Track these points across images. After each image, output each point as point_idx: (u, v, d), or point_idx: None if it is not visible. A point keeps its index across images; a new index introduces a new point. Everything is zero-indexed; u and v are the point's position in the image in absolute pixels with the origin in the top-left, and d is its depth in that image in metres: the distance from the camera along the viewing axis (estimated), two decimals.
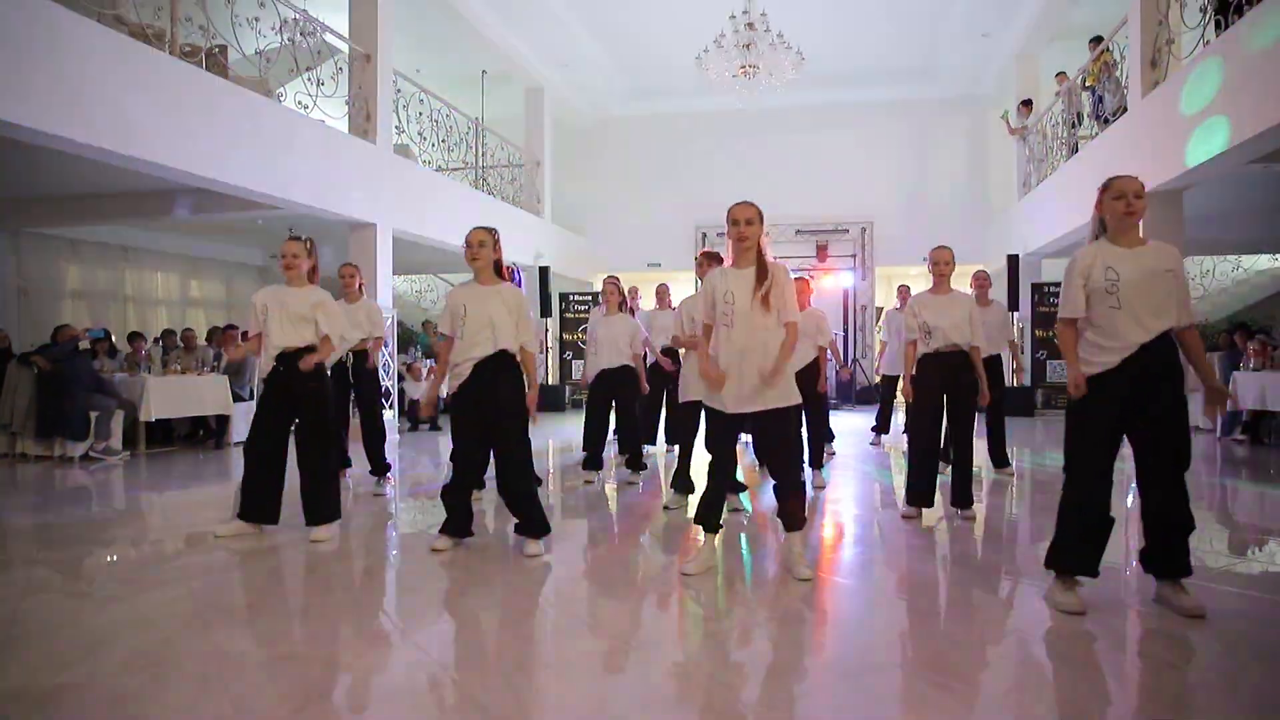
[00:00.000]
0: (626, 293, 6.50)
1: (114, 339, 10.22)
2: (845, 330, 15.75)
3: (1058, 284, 12.38)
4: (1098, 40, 9.83)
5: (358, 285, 6.08)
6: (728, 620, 3.23)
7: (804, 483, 3.91)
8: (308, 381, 4.44)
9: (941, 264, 4.93)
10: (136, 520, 5.48)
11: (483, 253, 4.14)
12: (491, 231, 4.21)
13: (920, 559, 4.18)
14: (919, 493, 4.94)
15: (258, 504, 4.49)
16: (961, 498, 4.93)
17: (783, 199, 16.05)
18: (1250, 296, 14.10)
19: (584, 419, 6.56)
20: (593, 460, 6.36)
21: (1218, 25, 6.65)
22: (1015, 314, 12.82)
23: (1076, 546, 3.21)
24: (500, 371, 4.07)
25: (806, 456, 5.97)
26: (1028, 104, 12.81)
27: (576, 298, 15.28)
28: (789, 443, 3.76)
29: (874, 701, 2.48)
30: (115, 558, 4.35)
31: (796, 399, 3.70)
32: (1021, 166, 13.18)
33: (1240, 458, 7.96)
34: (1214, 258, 14.16)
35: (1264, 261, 14.06)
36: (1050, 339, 12.47)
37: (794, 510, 3.73)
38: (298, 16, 8.45)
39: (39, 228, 11.28)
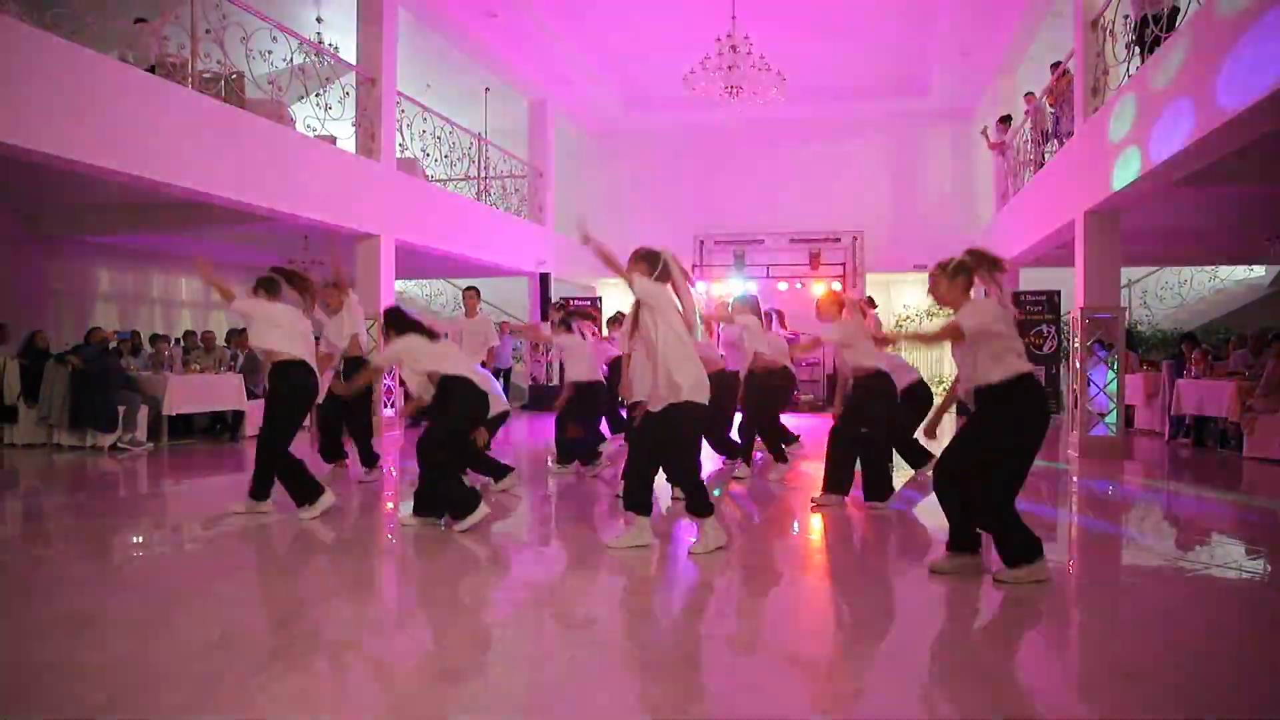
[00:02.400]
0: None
1: (141, 339, 11.09)
2: None
3: (1034, 292, 13.03)
4: (1057, 65, 10.42)
5: (339, 302, 6.77)
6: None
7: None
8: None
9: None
10: (157, 502, 6.27)
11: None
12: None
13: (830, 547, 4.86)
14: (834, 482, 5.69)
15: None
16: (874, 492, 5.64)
17: (777, 209, 16.77)
18: (1227, 305, 14.56)
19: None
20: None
21: (1141, 57, 7.25)
22: None
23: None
24: None
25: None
26: (1006, 120, 13.37)
27: (577, 303, 15.98)
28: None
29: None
30: (139, 536, 5.14)
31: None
32: (1000, 179, 13.74)
33: (1184, 459, 8.54)
34: (1191, 269, 14.64)
35: (1240, 272, 14.52)
36: (1027, 346, 12.96)
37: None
38: (308, 44, 9.24)
39: (73, 234, 12.18)
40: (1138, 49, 7.21)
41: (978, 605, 3.64)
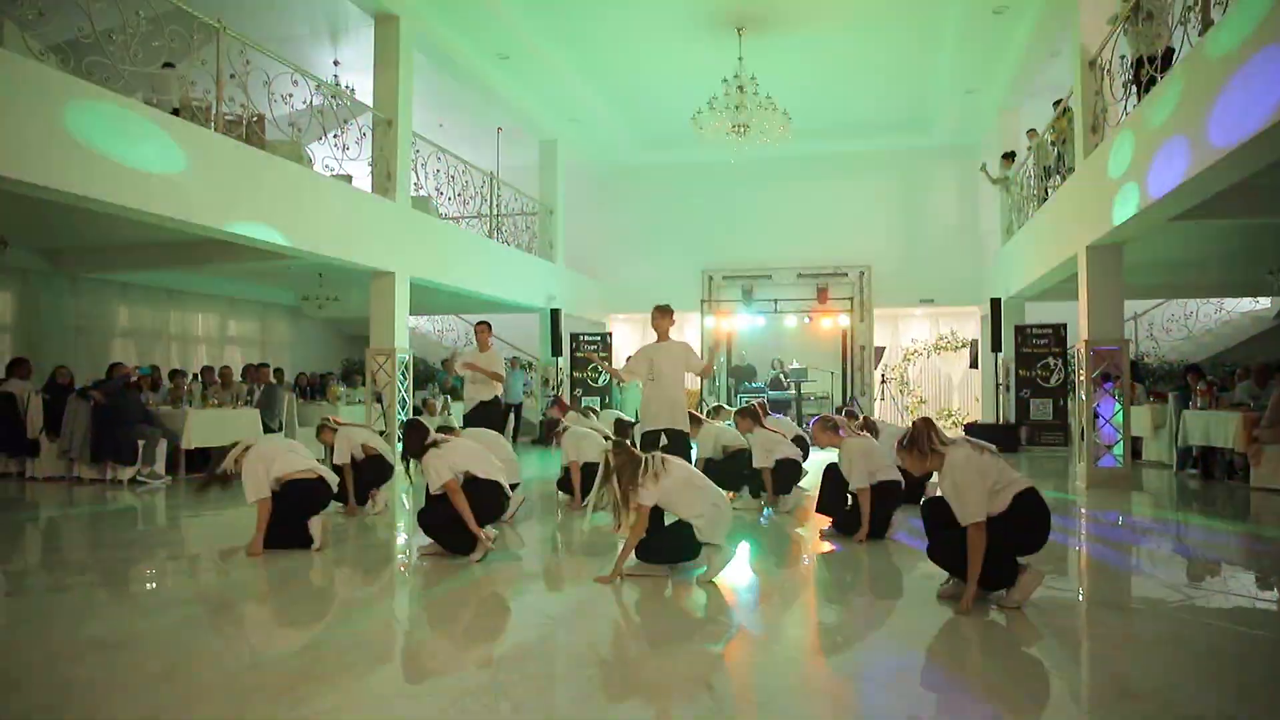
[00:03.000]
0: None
1: (161, 374, 11.28)
2: (844, 370, 16.46)
3: (1040, 325, 13.13)
4: (1059, 103, 10.64)
5: None
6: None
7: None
8: None
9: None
10: (172, 535, 6.39)
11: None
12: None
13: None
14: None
15: None
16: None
17: (785, 244, 17.00)
18: (1234, 337, 14.62)
19: None
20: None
21: (1139, 96, 7.44)
22: (999, 354, 13.51)
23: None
24: None
25: None
26: (1010, 156, 13.58)
27: (586, 338, 16.17)
28: None
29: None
30: (151, 567, 5.26)
31: None
32: (1005, 214, 13.93)
33: (1193, 490, 8.57)
34: (1196, 300, 14.74)
35: (1245, 304, 14.61)
36: (1034, 378, 13.10)
37: None
38: (324, 85, 9.54)
39: (95, 273, 12.45)
40: (1134, 88, 7.40)
41: (985, 628, 3.72)
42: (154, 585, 4.70)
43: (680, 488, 4.39)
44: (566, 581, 4.78)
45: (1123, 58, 7.72)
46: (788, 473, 6.99)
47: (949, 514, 3.94)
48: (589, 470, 6.88)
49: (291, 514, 5.25)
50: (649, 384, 6.45)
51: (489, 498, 5.07)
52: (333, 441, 6.72)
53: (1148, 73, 7.08)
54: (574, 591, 4.49)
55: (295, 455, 5.36)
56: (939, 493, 4.15)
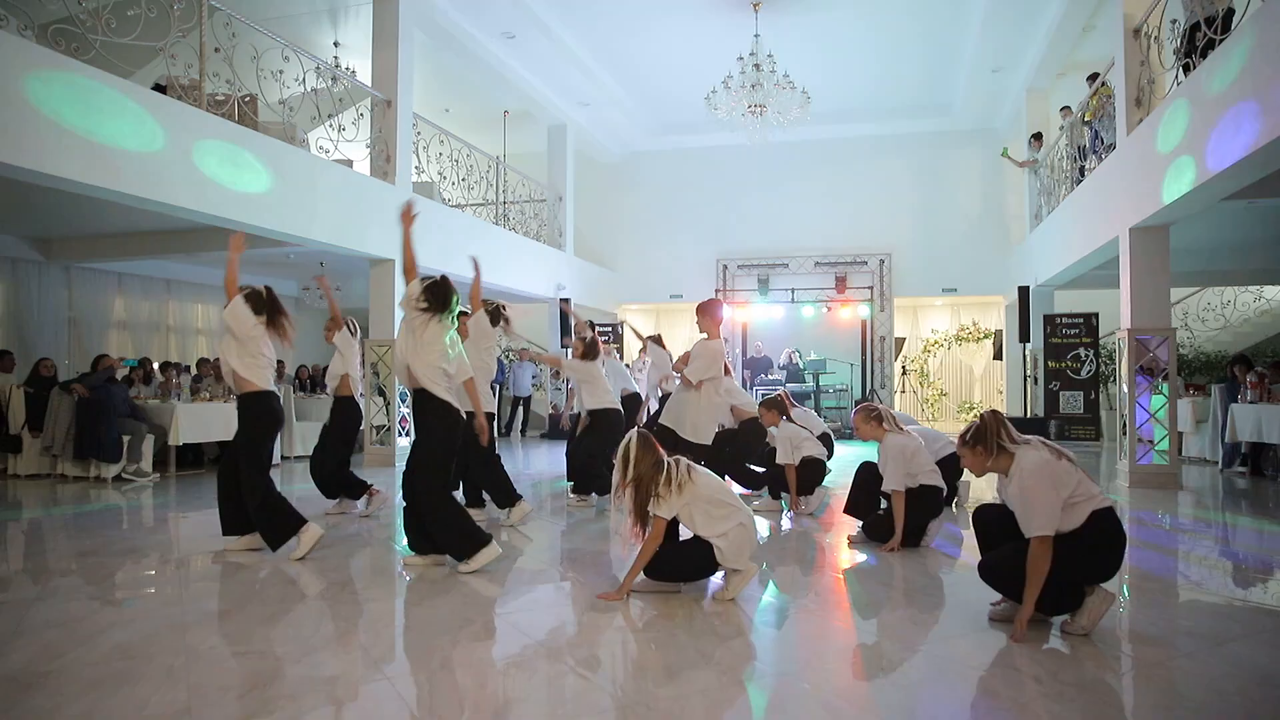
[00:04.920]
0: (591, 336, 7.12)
1: (154, 367, 10.87)
2: (864, 361, 15.90)
3: (1070, 315, 12.53)
4: (1095, 77, 10.03)
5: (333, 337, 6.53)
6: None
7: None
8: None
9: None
10: (156, 535, 5.94)
11: None
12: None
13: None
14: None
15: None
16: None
17: (802, 232, 16.44)
18: (1273, 327, 13.96)
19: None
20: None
21: (1185, 68, 6.85)
22: (1027, 345, 12.92)
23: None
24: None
25: None
26: (1038, 137, 12.97)
27: (598, 329, 15.66)
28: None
29: None
30: (130, 568, 4.79)
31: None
32: (1033, 199, 13.32)
33: (1241, 489, 7.99)
34: (1235, 289, 14.08)
35: None
36: (1064, 370, 12.51)
37: None
38: (323, 65, 9.05)
39: (87, 262, 12.05)
40: (1187, 55, 6.81)
41: (1047, 659, 3.20)
42: (109, 600, 4.23)
43: (705, 503, 3.88)
44: (571, 599, 4.28)
45: (1174, 22, 7.13)
46: (811, 472, 6.48)
47: (1007, 524, 3.43)
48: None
49: None
50: (710, 384, 5.82)
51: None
52: None
53: (1205, 36, 6.49)
54: (577, 613, 4.00)
55: None
56: (968, 494, 3.61)
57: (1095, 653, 3.25)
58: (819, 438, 6.88)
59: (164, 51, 6.96)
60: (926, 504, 5.11)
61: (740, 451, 7.12)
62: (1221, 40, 6.13)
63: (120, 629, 3.55)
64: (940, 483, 5.16)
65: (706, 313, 5.73)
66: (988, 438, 3.45)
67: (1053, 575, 3.29)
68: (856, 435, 5.41)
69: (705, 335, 5.74)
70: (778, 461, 6.44)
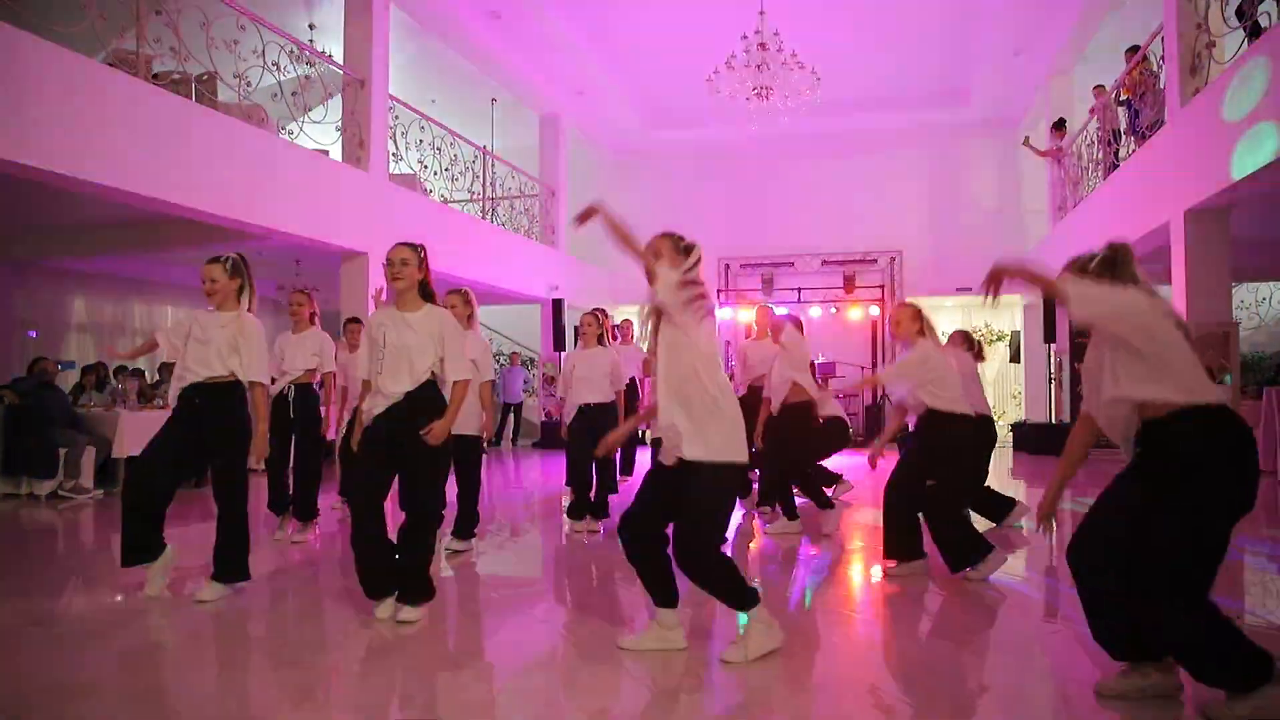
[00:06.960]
0: (612, 327, 6.35)
1: (107, 370, 9.98)
2: (874, 364, 15.06)
3: None
4: (1134, 50, 9.18)
5: (307, 315, 5.68)
6: None
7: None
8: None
9: None
10: (91, 560, 5.07)
11: (405, 271, 3.65)
12: (416, 249, 3.73)
13: None
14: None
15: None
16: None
17: (808, 229, 15.56)
18: None
19: (567, 460, 6.23)
20: (581, 507, 5.89)
21: (1254, 31, 6.03)
22: (1052, 345, 12.08)
23: None
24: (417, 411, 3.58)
25: None
26: (1060, 125, 12.14)
27: (608, 317, 14.82)
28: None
29: None
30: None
31: None
32: (1056, 190, 12.49)
33: None
34: (1270, 284, 13.26)
35: None
36: None
37: None
38: (284, 42, 8.20)
39: (44, 259, 11.18)
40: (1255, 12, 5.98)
41: None
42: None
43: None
44: (574, 643, 3.41)
45: None
46: (833, 433, 6.52)
47: (1116, 554, 2.58)
48: None
49: None
50: None
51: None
52: None
53: None
54: (582, 665, 3.13)
55: None
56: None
57: None
58: (833, 421, 6.76)
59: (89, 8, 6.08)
60: (948, 440, 4.34)
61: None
62: None
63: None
64: (968, 410, 4.45)
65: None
66: (1120, 265, 2.76)
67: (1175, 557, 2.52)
68: (891, 332, 4.69)
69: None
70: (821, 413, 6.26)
